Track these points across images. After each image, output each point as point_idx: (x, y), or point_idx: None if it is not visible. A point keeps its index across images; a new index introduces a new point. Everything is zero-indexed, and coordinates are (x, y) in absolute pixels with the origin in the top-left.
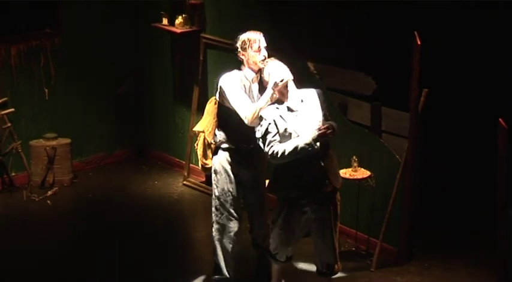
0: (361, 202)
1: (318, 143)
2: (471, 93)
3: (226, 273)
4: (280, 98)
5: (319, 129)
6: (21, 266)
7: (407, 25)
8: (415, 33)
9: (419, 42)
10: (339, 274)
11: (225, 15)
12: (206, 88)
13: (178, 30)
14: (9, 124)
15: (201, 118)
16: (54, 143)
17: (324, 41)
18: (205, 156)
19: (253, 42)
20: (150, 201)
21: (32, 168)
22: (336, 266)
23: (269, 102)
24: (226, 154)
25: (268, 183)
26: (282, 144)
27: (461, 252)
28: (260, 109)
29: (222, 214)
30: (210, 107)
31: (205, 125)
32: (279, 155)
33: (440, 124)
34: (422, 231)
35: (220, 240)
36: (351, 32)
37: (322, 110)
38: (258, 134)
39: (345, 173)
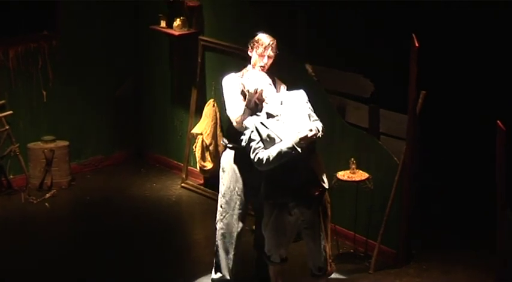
0: (359, 204)
1: (301, 145)
2: (469, 95)
3: (226, 274)
4: (260, 105)
5: (302, 132)
6: (20, 268)
7: (405, 27)
8: (413, 35)
9: (417, 44)
10: (337, 276)
11: (223, 17)
12: (204, 90)
13: (177, 33)
14: (7, 127)
15: (199, 120)
16: (52, 145)
17: (322, 43)
18: (203, 158)
19: (259, 45)
20: (149, 203)
21: (30, 170)
22: (329, 268)
23: (248, 111)
24: (235, 153)
25: (263, 192)
26: (266, 150)
27: (460, 254)
28: (242, 116)
29: (226, 213)
30: (209, 110)
31: (204, 127)
32: (264, 162)
33: (439, 126)
34: (421, 233)
35: (222, 240)
36: (348, 34)
37: (306, 110)
38: (243, 143)
39: (343, 175)
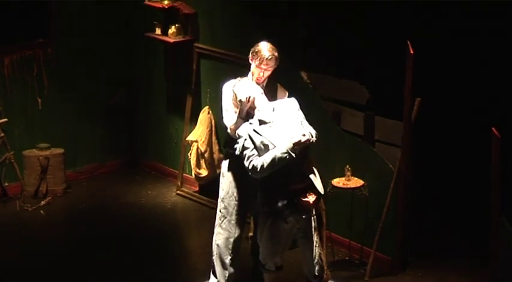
0: (354, 211)
1: (295, 151)
2: (464, 102)
3: (222, 280)
4: (252, 113)
5: (295, 138)
6: (15, 275)
7: (400, 34)
8: (408, 42)
9: (412, 51)
10: None
11: (218, 25)
12: (199, 98)
13: (172, 40)
14: (2, 134)
15: (194, 128)
16: (47, 153)
17: (317, 51)
18: (198, 165)
19: (258, 58)
20: (144, 210)
21: (25, 178)
22: (324, 275)
23: (240, 120)
24: (234, 159)
25: (260, 201)
26: (260, 157)
27: (455, 261)
28: (235, 124)
29: (224, 217)
30: (204, 117)
31: (199, 134)
32: (258, 169)
33: (434, 133)
34: (416, 240)
35: (219, 246)
36: (344, 41)
37: (298, 117)
38: (237, 152)
39: (338, 182)
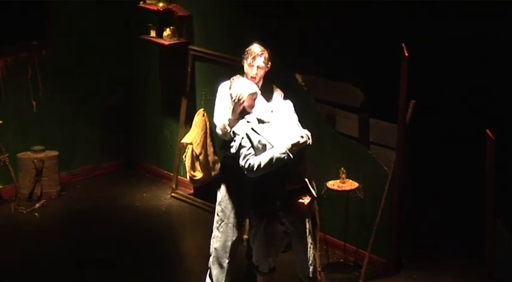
0: (349, 213)
1: (293, 152)
2: (459, 104)
3: None
4: (250, 111)
5: (294, 139)
6: (10, 277)
7: (395, 36)
8: (403, 44)
9: (407, 54)
10: None
11: (213, 27)
12: (194, 100)
13: (166, 42)
14: None
15: (189, 130)
16: (42, 155)
17: (312, 53)
18: (193, 168)
19: (249, 55)
20: (139, 213)
21: (19, 180)
22: (319, 277)
23: (232, 120)
24: (232, 161)
25: (250, 200)
26: (257, 157)
27: (450, 263)
28: (228, 125)
29: (221, 221)
30: (198, 119)
31: (194, 137)
32: (255, 168)
33: (428, 135)
34: (411, 242)
35: (217, 249)
36: (338, 44)
37: (294, 119)
38: (233, 150)
39: (333, 184)
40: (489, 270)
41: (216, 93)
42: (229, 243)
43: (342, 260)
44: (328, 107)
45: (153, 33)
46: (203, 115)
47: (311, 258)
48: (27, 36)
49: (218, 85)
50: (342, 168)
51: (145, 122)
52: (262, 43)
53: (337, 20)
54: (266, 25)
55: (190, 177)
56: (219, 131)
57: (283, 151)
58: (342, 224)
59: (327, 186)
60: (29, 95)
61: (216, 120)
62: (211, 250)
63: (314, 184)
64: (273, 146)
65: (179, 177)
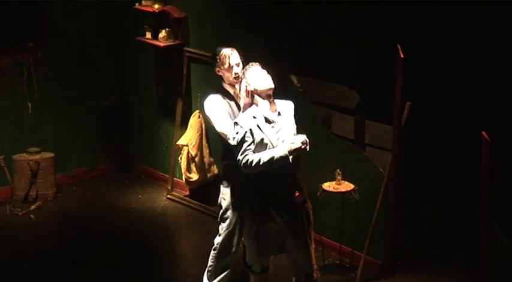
0: (345, 215)
1: (293, 155)
2: (455, 105)
3: None
4: (264, 106)
5: (296, 143)
6: (5, 280)
7: (390, 38)
8: (398, 46)
9: (402, 55)
10: None
11: (208, 29)
12: (190, 102)
13: (162, 44)
14: None
15: (185, 132)
16: (37, 157)
17: (307, 54)
18: (189, 169)
19: (224, 60)
20: (134, 215)
21: (15, 182)
22: (315, 275)
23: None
24: (233, 169)
25: (239, 193)
26: (256, 154)
27: (445, 265)
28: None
29: (226, 229)
30: (194, 121)
31: (189, 138)
32: (253, 165)
33: (424, 137)
34: (407, 244)
35: (219, 255)
36: (334, 45)
37: (295, 122)
38: (233, 142)
39: (328, 186)
40: (484, 271)
41: (204, 106)
42: (234, 249)
43: (337, 262)
44: (324, 108)
45: (148, 35)
46: (199, 117)
47: (307, 256)
48: (22, 38)
49: (208, 94)
50: (338, 170)
51: (140, 124)
52: (261, 45)
53: (332, 22)
54: (261, 27)
55: (185, 179)
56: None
57: (284, 153)
58: (338, 225)
59: (322, 188)
60: (24, 97)
61: (223, 130)
62: (213, 256)
63: (305, 187)
64: (274, 147)
65: (175, 179)
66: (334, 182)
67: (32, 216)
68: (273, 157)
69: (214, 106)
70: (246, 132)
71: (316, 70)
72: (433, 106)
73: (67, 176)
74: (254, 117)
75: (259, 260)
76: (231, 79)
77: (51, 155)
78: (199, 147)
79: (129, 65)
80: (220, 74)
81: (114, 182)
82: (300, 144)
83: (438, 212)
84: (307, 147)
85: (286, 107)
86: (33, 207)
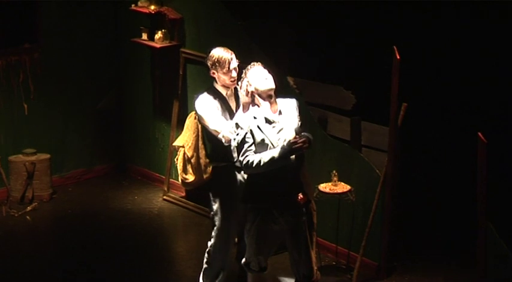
0: (341, 216)
1: (294, 154)
2: (451, 107)
3: None
4: (265, 107)
5: (296, 143)
6: (1, 281)
7: (386, 39)
8: (395, 47)
9: (398, 57)
10: None
11: (205, 30)
12: (186, 103)
13: (158, 45)
14: None
15: (181, 133)
16: (33, 158)
17: (303, 56)
18: (185, 171)
19: (223, 63)
20: (131, 216)
21: (11, 183)
22: (314, 276)
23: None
24: (222, 171)
25: (242, 194)
26: (257, 154)
27: (441, 266)
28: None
29: (219, 230)
30: (190, 122)
31: (185, 139)
32: (254, 165)
33: (420, 138)
34: (403, 245)
35: (214, 256)
36: (330, 47)
37: (299, 121)
38: (234, 143)
39: (325, 187)
40: (480, 272)
41: (196, 105)
42: (229, 252)
43: (334, 263)
44: (320, 110)
45: (144, 36)
46: (195, 118)
47: (308, 257)
48: (18, 39)
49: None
50: (334, 171)
51: (137, 125)
52: (257, 46)
53: (329, 23)
54: (258, 28)
55: (182, 180)
56: (226, 140)
57: (284, 153)
58: (334, 226)
59: (318, 189)
60: (21, 98)
61: (216, 128)
62: (207, 257)
63: (312, 185)
64: (274, 147)
65: (171, 180)
66: (330, 183)
67: (28, 217)
68: (274, 157)
69: (207, 105)
70: (246, 133)
71: (312, 71)
72: (429, 107)
73: (63, 177)
74: (255, 118)
75: (257, 258)
76: (226, 82)
77: (47, 156)
78: (196, 149)
79: (126, 66)
80: (214, 76)
81: (110, 183)
82: (300, 144)
83: (434, 212)
84: (310, 145)
85: (289, 104)
86: (29, 208)
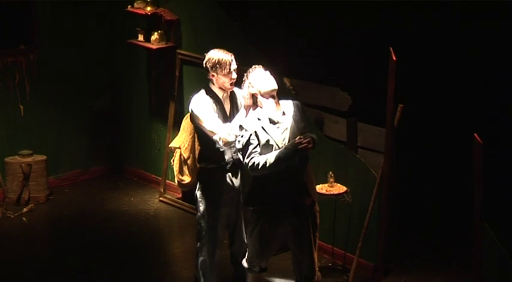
0: (337, 217)
1: (299, 155)
2: (447, 108)
3: None
4: (268, 108)
5: (301, 143)
6: None
7: (382, 41)
8: (391, 49)
9: (394, 58)
10: None
11: (201, 31)
12: (182, 104)
13: (154, 46)
14: None
15: (177, 134)
16: (29, 159)
17: (300, 57)
18: (181, 172)
19: (224, 65)
20: (127, 217)
21: (7, 185)
22: (315, 277)
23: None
24: (210, 172)
25: (246, 197)
26: (262, 156)
27: (438, 267)
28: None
29: (206, 232)
30: (186, 123)
31: (182, 141)
32: (259, 167)
33: (417, 139)
34: (399, 246)
35: (205, 258)
36: (326, 48)
37: (302, 121)
38: (239, 145)
39: (321, 188)
40: (476, 273)
41: (192, 105)
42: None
43: (330, 264)
44: (316, 111)
45: (140, 37)
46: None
47: (310, 258)
48: (14, 40)
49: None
50: (330, 172)
51: (133, 126)
52: (254, 47)
53: (326, 24)
54: (254, 29)
55: (178, 181)
56: (223, 141)
57: (290, 154)
58: (330, 227)
59: None
60: (17, 100)
61: (212, 129)
62: (199, 259)
63: (315, 187)
64: (279, 148)
65: (167, 181)
66: (326, 184)
67: (24, 218)
68: (279, 158)
69: (203, 105)
70: (250, 134)
71: (309, 72)
72: (425, 108)
73: (59, 179)
74: (259, 119)
75: (259, 260)
76: (225, 84)
77: (44, 157)
78: (192, 150)
79: (122, 68)
80: (213, 78)
81: (106, 185)
82: (305, 144)
83: (431, 213)
84: (314, 146)
85: (292, 106)
86: (25, 209)
